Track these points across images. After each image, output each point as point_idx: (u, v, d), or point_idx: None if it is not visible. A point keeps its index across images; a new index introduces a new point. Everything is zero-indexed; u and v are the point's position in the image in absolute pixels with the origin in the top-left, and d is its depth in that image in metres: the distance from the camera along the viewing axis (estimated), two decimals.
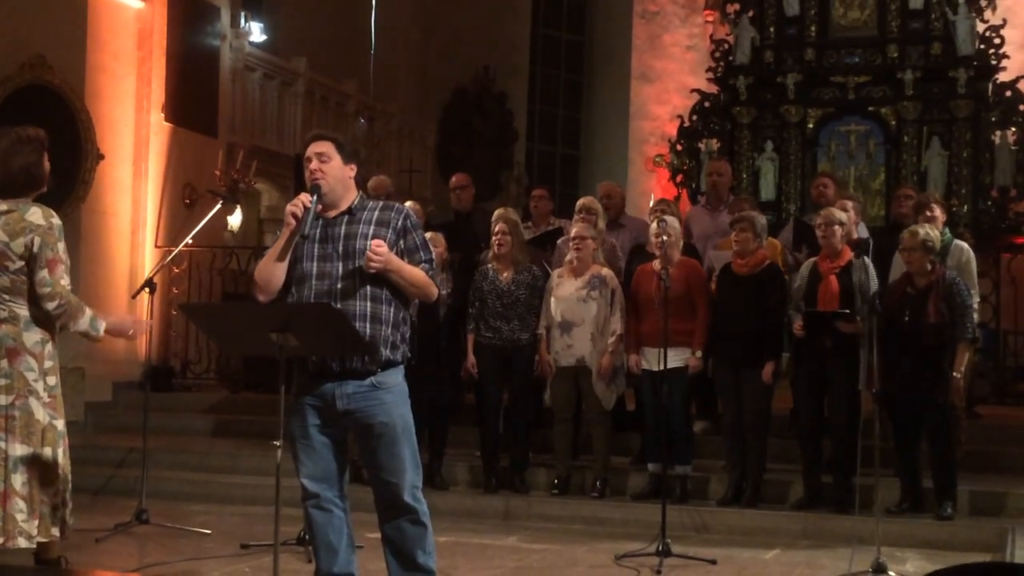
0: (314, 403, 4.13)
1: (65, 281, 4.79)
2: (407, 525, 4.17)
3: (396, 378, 4.17)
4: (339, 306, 4.05)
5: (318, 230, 4.14)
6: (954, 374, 6.56)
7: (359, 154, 4.35)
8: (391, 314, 4.13)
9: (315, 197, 4.11)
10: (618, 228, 8.32)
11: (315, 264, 4.13)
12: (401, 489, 4.13)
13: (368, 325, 4.07)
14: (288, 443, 4.10)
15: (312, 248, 4.13)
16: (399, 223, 4.20)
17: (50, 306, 4.77)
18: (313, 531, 4.21)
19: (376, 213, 4.22)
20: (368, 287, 4.09)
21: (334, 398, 4.10)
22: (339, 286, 4.09)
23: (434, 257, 4.30)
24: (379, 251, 4.03)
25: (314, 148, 4.23)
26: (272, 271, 4.16)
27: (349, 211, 4.21)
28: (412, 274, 4.14)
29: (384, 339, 4.10)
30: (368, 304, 4.08)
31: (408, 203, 7.41)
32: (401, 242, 4.18)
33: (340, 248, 4.13)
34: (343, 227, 4.17)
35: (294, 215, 4.09)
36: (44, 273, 4.75)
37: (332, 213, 4.20)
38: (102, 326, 4.90)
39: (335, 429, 4.16)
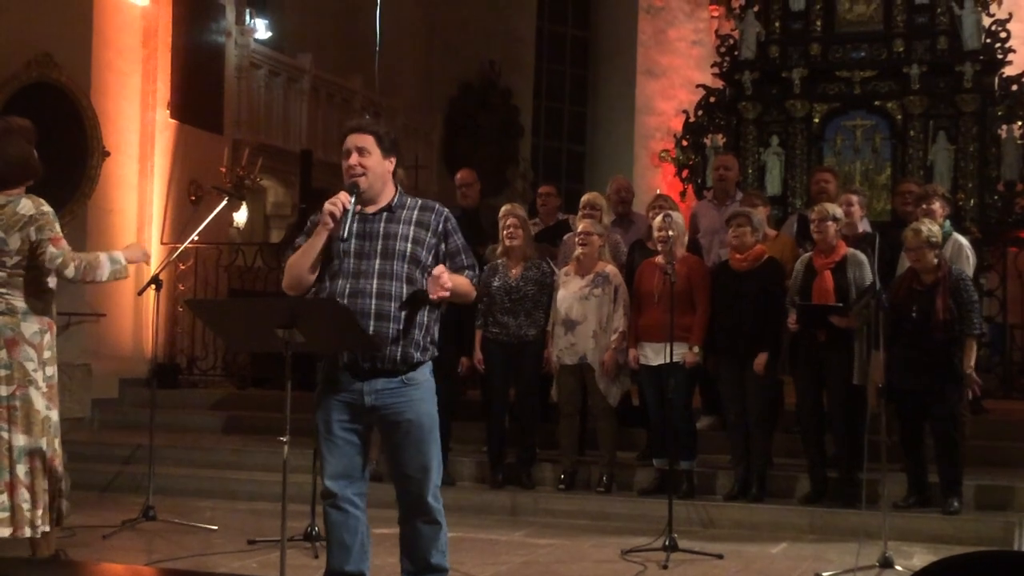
0: (341, 399, 4.05)
1: (71, 250, 4.85)
2: (423, 524, 4.11)
3: (425, 375, 4.10)
4: (374, 306, 3.97)
5: (355, 226, 4.00)
6: (967, 371, 6.56)
7: (398, 146, 4.22)
8: (424, 317, 4.05)
9: (354, 197, 3.98)
10: (627, 224, 8.32)
11: (351, 261, 4.02)
12: (423, 487, 4.06)
13: (402, 328, 3.99)
14: (313, 438, 4.03)
15: (350, 243, 4.01)
16: (440, 226, 4.09)
17: (69, 272, 4.83)
18: (328, 529, 4.15)
19: (416, 213, 4.09)
20: (404, 290, 4.00)
21: (362, 394, 4.02)
22: (374, 286, 3.99)
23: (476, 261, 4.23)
24: (445, 282, 3.93)
25: (354, 141, 4.07)
26: (304, 269, 4.04)
27: (389, 208, 4.08)
28: (462, 286, 4.06)
29: (416, 343, 4.03)
30: (404, 307, 4.00)
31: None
32: (443, 246, 4.10)
33: (379, 247, 4.02)
34: (382, 225, 4.05)
35: (332, 215, 3.94)
36: (51, 249, 4.80)
37: (371, 209, 4.06)
38: (123, 257, 4.95)
39: (361, 425, 4.07)
